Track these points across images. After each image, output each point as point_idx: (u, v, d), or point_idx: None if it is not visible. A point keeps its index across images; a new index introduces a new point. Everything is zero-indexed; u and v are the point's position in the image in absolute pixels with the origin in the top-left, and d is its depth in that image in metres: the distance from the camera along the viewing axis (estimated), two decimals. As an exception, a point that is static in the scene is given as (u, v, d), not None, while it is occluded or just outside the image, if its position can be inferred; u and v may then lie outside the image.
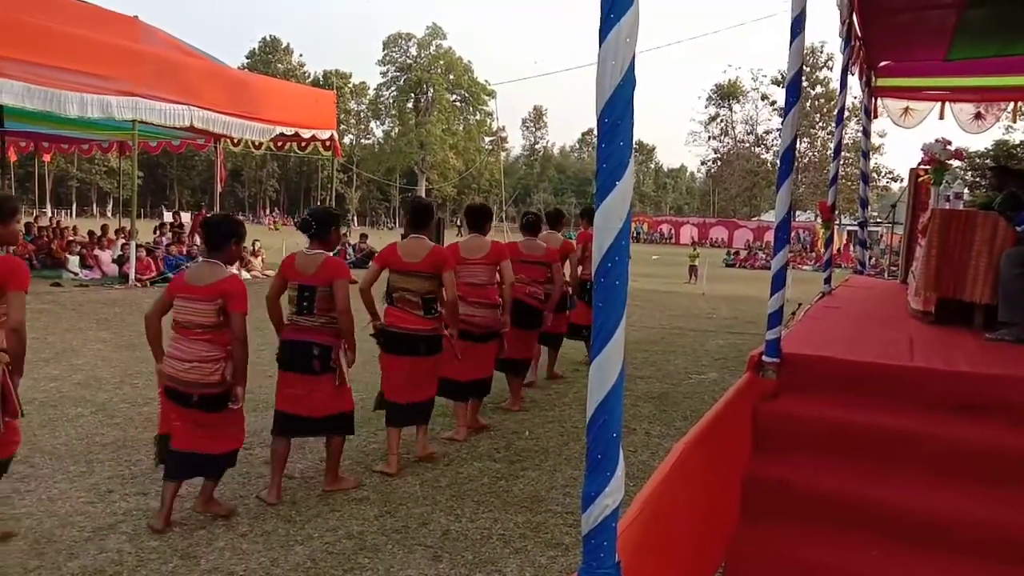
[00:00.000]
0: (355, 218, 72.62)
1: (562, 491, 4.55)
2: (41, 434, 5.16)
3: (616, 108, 1.66)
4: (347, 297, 4.27)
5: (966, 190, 6.09)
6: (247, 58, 77.68)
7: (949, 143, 6.28)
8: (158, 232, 18.64)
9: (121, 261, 15.08)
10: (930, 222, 5.33)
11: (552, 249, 6.67)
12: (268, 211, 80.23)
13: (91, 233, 17.51)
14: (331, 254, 4.45)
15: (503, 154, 78.67)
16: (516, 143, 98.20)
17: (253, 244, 18.55)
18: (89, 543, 3.63)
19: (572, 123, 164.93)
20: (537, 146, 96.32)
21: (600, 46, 1.65)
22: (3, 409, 3.38)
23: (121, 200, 26.35)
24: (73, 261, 15.33)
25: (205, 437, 3.91)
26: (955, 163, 6.64)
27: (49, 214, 38.17)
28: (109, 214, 58.83)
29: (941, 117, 9.75)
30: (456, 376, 5.33)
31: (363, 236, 23.35)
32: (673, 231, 62.18)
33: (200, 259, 4.11)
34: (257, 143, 17.75)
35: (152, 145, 19.43)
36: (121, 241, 16.45)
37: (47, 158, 25.96)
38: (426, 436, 5.06)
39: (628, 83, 1.66)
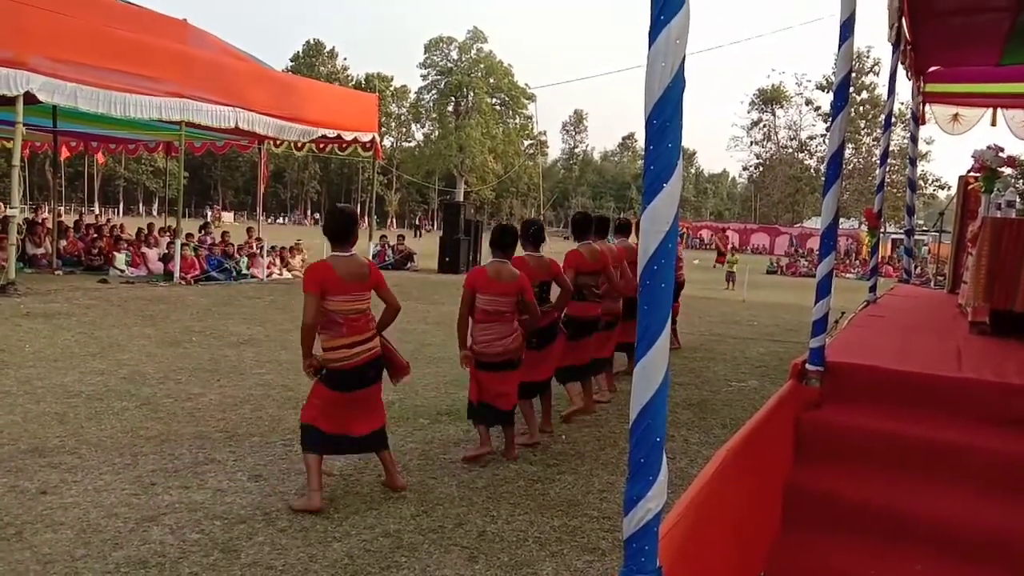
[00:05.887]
0: (394, 220, 73.21)
1: (598, 496, 4.53)
2: (88, 426, 5.27)
3: (665, 110, 1.65)
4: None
5: (1018, 198, 5.93)
6: (291, 61, 78.85)
7: (1001, 150, 6.15)
8: (202, 231, 18.96)
9: (167, 259, 15.39)
10: (980, 231, 5.21)
11: (622, 250, 7.18)
12: (307, 212, 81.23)
13: (139, 231, 17.90)
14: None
15: (541, 158, 78.73)
16: (555, 147, 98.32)
17: (296, 243, 18.84)
18: (133, 534, 3.70)
19: (612, 127, 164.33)
20: (576, 150, 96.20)
21: (650, 47, 1.64)
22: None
23: (167, 199, 26.88)
24: (120, 259, 15.67)
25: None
26: (1007, 170, 6.48)
27: (96, 212, 39.03)
28: (155, 213, 60.10)
29: (993, 123, 9.54)
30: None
31: (400, 237, 23.51)
32: (714, 237, 61.45)
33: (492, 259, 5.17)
34: (300, 144, 17.97)
35: (196, 146, 19.78)
36: (166, 239, 16.78)
37: (100, 158, 26.56)
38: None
39: (678, 85, 1.65)
